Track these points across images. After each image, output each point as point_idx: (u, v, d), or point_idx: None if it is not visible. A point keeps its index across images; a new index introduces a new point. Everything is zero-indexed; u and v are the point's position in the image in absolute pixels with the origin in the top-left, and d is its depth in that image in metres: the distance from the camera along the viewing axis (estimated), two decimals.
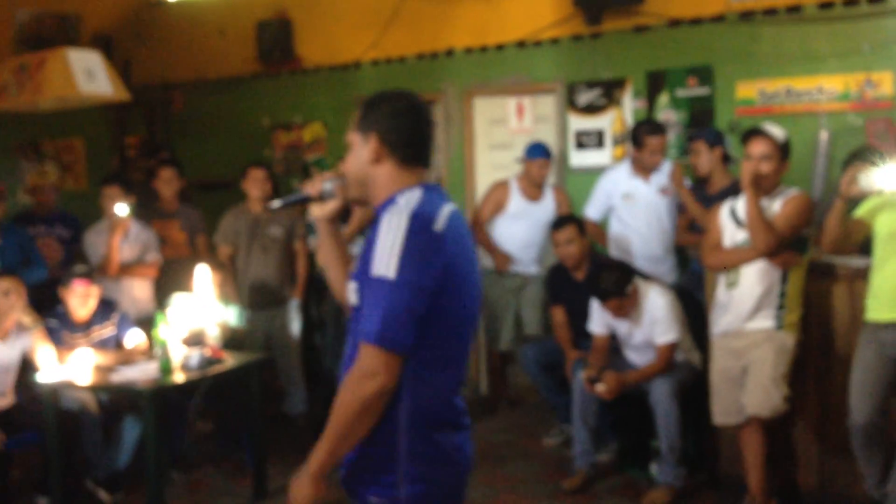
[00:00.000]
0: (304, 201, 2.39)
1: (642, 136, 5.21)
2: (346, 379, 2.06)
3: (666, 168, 5.30)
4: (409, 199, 2.11)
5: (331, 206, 2.34)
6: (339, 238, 2.43)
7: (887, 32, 5.16)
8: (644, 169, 5.28)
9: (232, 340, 5.02)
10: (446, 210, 2.14)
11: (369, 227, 2.27)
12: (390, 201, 2.14)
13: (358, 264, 2.15)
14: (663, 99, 5.82)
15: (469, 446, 2.23)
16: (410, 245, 2.02)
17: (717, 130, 5.25)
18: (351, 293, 2.15)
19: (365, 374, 2.01)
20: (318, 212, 2.35)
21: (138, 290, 5.37)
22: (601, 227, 5.52)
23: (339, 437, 2.06)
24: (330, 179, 2.33)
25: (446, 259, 2.07)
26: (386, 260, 2.01)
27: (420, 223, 2.05)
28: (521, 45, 6.29)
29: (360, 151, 2.20)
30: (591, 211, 5.50)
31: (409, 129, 2.19)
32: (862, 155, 4.36)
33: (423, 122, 2.22)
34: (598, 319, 4.77)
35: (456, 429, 2.18)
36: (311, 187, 2.35)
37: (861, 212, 3.90)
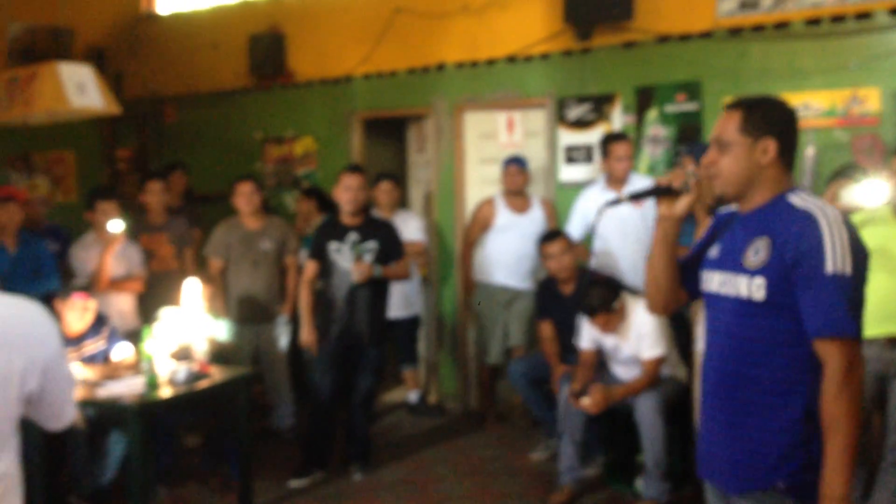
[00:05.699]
0: (660, 193, 2.42)
1: (607, 144, 5.35)
2: (833, 391, 2.11)
3: (636, 181, 5.35)
4: (814, 200, 2.22)
5: (683, 204, 2.40)
6: (676, 240, 2.47)
7: (873, 49, 5.19)
8: (616, 181, 5.33)
9: (220, 355, 5.02)
10: None
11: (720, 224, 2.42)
12: (781, 202, 2.25)
13: (755, 260, 2.22)
14: (652, 114, 5.84)
15: None
16: (853, 242, 2.15)
17: (705, 146, 5.16)
18: (757, 288, 2.21)
19: (850, 370, 2.11)
20: (666, 210, 2.42)
21: (124, 304, 5.37)
22: (584, 246, 5.54)
23: (853, 448, 2.10)
24: (694, 173, 2.38)
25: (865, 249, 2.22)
26: (841, 258, 2.12)
27: (848, 220, 2.18)
28: (511, 59, 6.31)
29: (750, 153, 2.28)
30: (572, 230, 5.49)
31: (795, 135, 2.32)
32: (845, 172, 4.37)
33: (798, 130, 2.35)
34: (586, 334, 4.78)
35: None
36: (676, 178, 2.40)
37: None
